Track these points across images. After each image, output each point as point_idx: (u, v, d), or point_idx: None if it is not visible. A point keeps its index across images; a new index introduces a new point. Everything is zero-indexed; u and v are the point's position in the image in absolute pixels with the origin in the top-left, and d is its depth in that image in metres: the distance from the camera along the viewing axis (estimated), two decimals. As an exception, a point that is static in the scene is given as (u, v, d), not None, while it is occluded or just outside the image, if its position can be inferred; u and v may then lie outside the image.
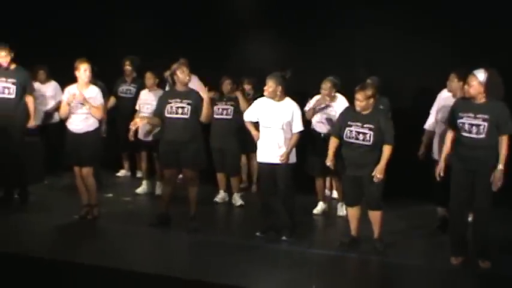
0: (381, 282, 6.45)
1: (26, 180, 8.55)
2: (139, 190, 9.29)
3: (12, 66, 8.26)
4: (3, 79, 8.19)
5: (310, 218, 8.22)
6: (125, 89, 9.75)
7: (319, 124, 8.00)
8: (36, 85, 9.59)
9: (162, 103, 7.50)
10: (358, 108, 6.71)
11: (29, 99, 8.32)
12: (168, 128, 7.44)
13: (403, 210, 8.46)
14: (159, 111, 7.53)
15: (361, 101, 6.66)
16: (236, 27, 9.90)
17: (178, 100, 7.37)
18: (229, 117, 8.62)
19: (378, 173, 6.60)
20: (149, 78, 9.03)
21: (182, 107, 7.34)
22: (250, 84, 9.19)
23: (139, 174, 10.02)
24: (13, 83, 8.18)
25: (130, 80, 9.76)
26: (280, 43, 9.57)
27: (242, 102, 8.52)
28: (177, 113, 7.35)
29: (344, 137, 6.76)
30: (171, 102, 7.38)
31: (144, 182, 9.32)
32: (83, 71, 7.60)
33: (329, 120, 7.86)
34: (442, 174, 6.46)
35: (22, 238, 7.30)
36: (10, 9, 10.70)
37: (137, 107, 9.12)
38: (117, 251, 6.95)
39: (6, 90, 8.19)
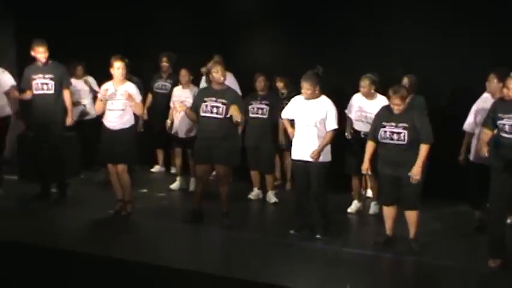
0: (416, 283, 6.37)
1: (64, 175, 8.61)
2: (173, 186, 9.31)
3: (49, 62, 8.31)
4: (41, 75, 8.25)
5: (345, 217, 8.16)
6: (161, 84, 9.77)
7: (358, 123, 7.94)
8: (73, 80, 9.68)
9: (198, 101, 7.54)
10: (396, 112, 6.65)
11: (66, 94, 8.37)
12: (202, 126, 7.48)
13: (439, 210, 8.32)
14: (194, 108, 7.56)
15: (400, 104, 6.63)
16: (273, 24, 9.84)
17: (214, 99, 7.38)
18: (265, 116, 8.59)
19: (414, 173, 6.53)
20: (184, 75, 9.02)
21: (217, 107, 7.35)
22: (283, 81, 9.13)
23: (173, 170, 10.04)
24: (51, 79, 8.24)
25: (166, 76, 9.78)
26: (317, 41, 9.47)
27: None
28: (211, 112, 7.37)
29: (379, 137, 6.73)
30: (206, 101, 7.39)
31: (178, 178, 9.34)
32: (116, 68, 7.64)
33: (368, 118, 7.77)
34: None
35: (58, 232, 7.38)
36: (48, 7, 10.78)
37: (171, 104, 9.13)
38: (150, 246, 6.99)
39: (45, 86, 8.25)
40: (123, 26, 10.57)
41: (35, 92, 8.27)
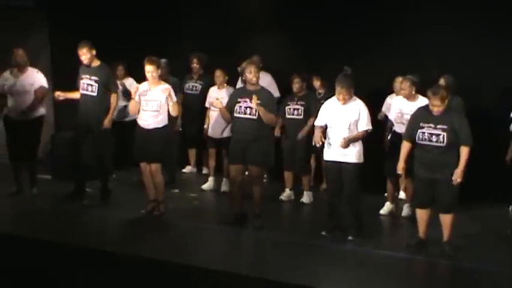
0: (449, 287, 6.27)
1: (106, 177, 8.58)
2: (205, 186, 9.31)
3: (96, 64, 8.26)
4: (87, 76, 8.22)
5: (377, 219, 8.09)
6: (191, 85, 9.76)
7: (399, 125, 7.76)
8: None
9: (232, 101, 7.54)
10: (436, 114, 6.55)
11: (113, 98, 8.30)
12: (236, 127, 7.48)
13: (477, 212, 8.20)
14: (229, 108, 7.56)
15: (440, 105, 6.53)
16: (302, 24, 9.76)
17: (247, 100, 7.35)
18: (300, 117, 8.54)
19: (458, 176, 6.44)
20: (219, 76, 9.00)
21: (250, 108, 7.33)
22: (319, 80, 9.08)
23: (204, 171, 10.06)
24: (96, 81, 8.19)
25: (197, 77, 9.76)
26: (350, 41, 9.39)
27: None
28: (245, 114, 7.36)
29: (416, 139, 6.63)
30: (239, 102, 7.38)
31: (211, 179, 9.33)
32: (147, 72, 7.67)
33: None
34: None
35: (90, 231, 7.41)
36: (82, 7, 10.84)
37: (207, 105, 9.13)
38: (182, 246, 6.99)
39: (90, 88, 8.21)
40: (157, 26, 10.58)
41: (81, 92, 8.29)
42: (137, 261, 6.52)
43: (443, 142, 6.48)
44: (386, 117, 8.40)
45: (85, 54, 8.17)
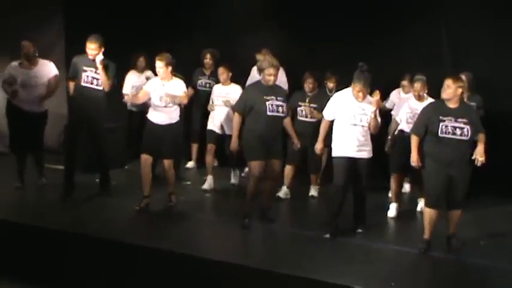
0: (461, 283, 6.21)
1: (107, 168, 8.51)
2: (206, 186, 8.89)
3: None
4: (93, 69, 8.06)
5: (384, 215, 7.96)
6: (204, 82, 9.68)
7: (409, 125, 7.53)
8: (133, 74, 9.71)
9: (255, 98, 7.33)
10: (445, 96, 6.48)
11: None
12: (266, 124, 7.29)
13: (487, 209, 8.20)
14: (243, 107, 7.40)
15: (449, 86, 6.43)
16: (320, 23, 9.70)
17: (274, 97, 7.31)
18: (314, 120, 8.35)
19: (479, 155, 6.40)
20: (222, 73, 8.90)
21: (282, 106, 7.35)
22: (333, 83, 8.76)
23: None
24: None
25: (209, 73, 9.70)
26: (364, 36, 9.31)
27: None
28: (277, 112, 7.32)
29: (439, 132, 6.46)
30: (268, 100, 7.28)
31: (209, 177, 8.93)
32: (156, 67, 7.66)
33: None
34: None
35: (101, 221, 7.42)
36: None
37: (211, 102, 9.03)
38: (193, 238, 7.04)
39: (95, 81, 8.08)
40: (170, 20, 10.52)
41: (83, 84, 8.13)
42: (147, 252, 6.53)
43: (467, 135, 6.42)
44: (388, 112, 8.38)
45: (94, 50, 7.98)
